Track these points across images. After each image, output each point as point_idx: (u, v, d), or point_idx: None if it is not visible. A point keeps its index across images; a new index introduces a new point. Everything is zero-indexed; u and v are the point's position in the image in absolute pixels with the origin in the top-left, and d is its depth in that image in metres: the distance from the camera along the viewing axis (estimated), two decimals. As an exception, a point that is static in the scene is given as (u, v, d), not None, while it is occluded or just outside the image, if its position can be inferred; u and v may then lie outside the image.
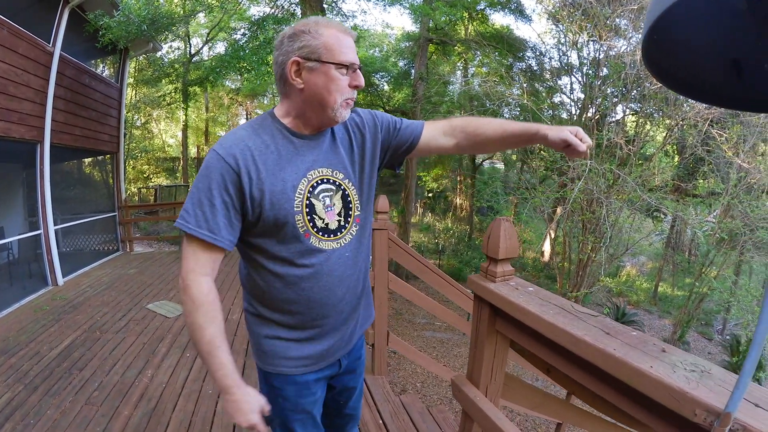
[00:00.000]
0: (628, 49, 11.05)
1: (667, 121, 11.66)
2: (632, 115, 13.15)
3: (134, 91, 21.39)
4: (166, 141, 28.53)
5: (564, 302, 1.69)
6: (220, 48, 21.05)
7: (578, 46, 12.54)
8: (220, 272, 1.48)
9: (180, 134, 25.71)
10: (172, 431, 3.48)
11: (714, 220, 11.74)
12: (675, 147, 13.88)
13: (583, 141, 1.51)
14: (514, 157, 22.02)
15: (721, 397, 1.03)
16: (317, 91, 1.41)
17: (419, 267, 4.00)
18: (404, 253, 3.94)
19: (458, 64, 22.12)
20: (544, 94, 15.10)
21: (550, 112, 13.58)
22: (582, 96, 12.78)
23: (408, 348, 4.48)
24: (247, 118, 29.30)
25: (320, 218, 1.49)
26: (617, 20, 11.31)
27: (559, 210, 13.42)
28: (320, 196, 1.49)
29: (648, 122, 12.42)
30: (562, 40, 13.30)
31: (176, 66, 17.15)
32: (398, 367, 9.13)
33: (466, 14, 14.91)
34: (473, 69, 21.36)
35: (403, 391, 7.78)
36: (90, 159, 11.95)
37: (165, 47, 15.51)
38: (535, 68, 16.32)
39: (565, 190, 11.10)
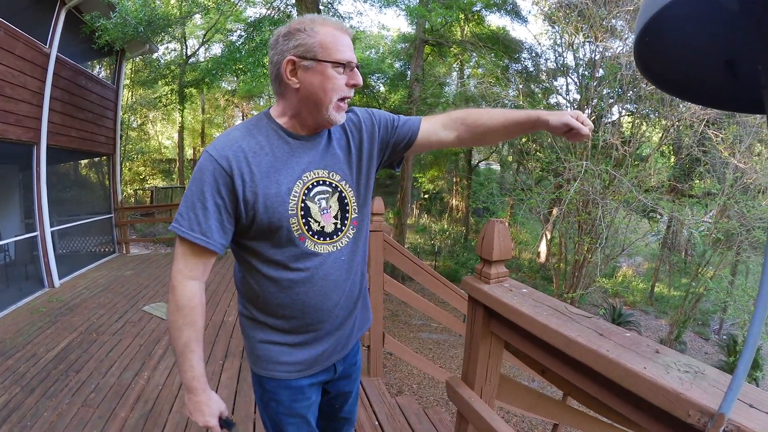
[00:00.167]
0: (624, 50, 11.08)
1: (663, 122, 11.69)
2: (628, 115, 13.18)
3: (130, 93, 21.36)
4: (162, 142, 28.47)
5: (558, 304, 1.69)
6: (217, 49, 21.03)
7: (574, 47, 12.55)
8: (216, 274, 1.48)
9: (176, 136, 25.71)
10: (168, 433, 3.47)
11: (710, 221, 11.77)
12: (671, 147, 13.91)
13: (584, 124, 1.51)
14: (510, 158, 22.08)
15: (715, 398, 1.03)
16: (313, 90, 1.38)
17: (415, 268, 4.00)
18: (400, 254, 3.94)
19: (454, 66, 22.18)
20: (540, 95, 15.10)
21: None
22: (578, 97, 12.79)
23: (404, 349, 4.48)
24: (243, 120, 29.25)
25: (316, 221, 1.46)
26: (613, 21, 11.34)
27: (555, 211, 13.46)
28: (316, 199, 1.46)
29: (644, 123, 12.45)
30: (558, 41, 13.31)
31: (172, 67, 17.14)
32: (394, 369, 9.13)
33: (462, 15, 14.94)
34: (469, 70, 21.41)
35: (399, 393, 7.77)
36: (86, 161, 11.94)
37: (161, 49, 15.48)
38: (531, 69, 16.32)
39: (561, 191, 11.13)
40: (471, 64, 20.67)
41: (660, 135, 12.14)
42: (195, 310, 1.40)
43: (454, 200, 28.00)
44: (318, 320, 1.54)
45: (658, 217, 14.00)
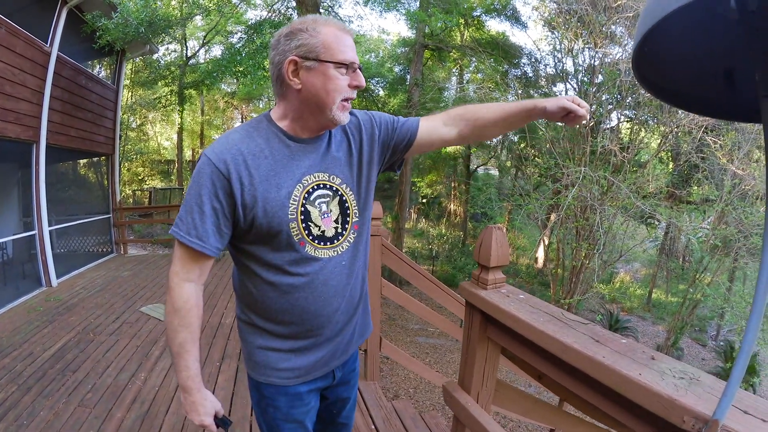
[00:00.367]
0: (623, 56, 11.12)
1: (662, 128, 11.72)
2: (627, 122, 13.23)
3: (130, 93, 21.37)
4: (161, 143, 28.46)
5: (554, 310, 1.70)
6: (217, 51, 21.05)
7: (573, 53, 12.60)
8: (214, 276, 1.48)
9: (175, 137, 25.69)
10: (164, 434, 3.47)
11: (708, 227, 11.80)
12: (669, 154, 13.95)
13: (580, 106, 1.53)
14: (508, 163, 22.08)
15: (710, 404, 1.04)
16: (315, 91, 1.36)
17: (412, 273, 3.99)
18: (397, 259, 3.94)
19: (454, 71, 22.18)
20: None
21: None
22: (577, 103, 12.79)
23: (400, 354, 4.48)
24: (242, 122, 29.20)
25: (316, 225, 1.44)
26: (613, 27, 11.38)
27: (552, 217, 13.48)
28: (316, 203, 1.44)
29: (642, 129, 12.48)
30: (558, 47, 13.37)
31: (172, 68, 17.16)
32: (391, 373, 9.12)
33: (462, 20, 14.95)
34: (468, 75, 21.42)
35: (396, 397, 7.77)
36: (85, 160, 11.93)
37: (161, 49, 15.50)
38: (530, 75, 16.37)
39: (559, 196, 11.14)
40: (470, 69, 20.70)
41: (658, 141, 12.17)
42: (191, 312, 1.40)
43: (452, 205, 28.01)
44: (318, 326, 1.52)
45: (656, 223, 14.03)
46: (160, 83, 17.24)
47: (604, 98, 12.02)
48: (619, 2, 10.74)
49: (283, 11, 13.74)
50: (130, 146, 20.67)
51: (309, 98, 1.38)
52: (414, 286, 4.17)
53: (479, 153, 24.27)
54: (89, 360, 4.89)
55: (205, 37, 19.26)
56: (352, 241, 1.55)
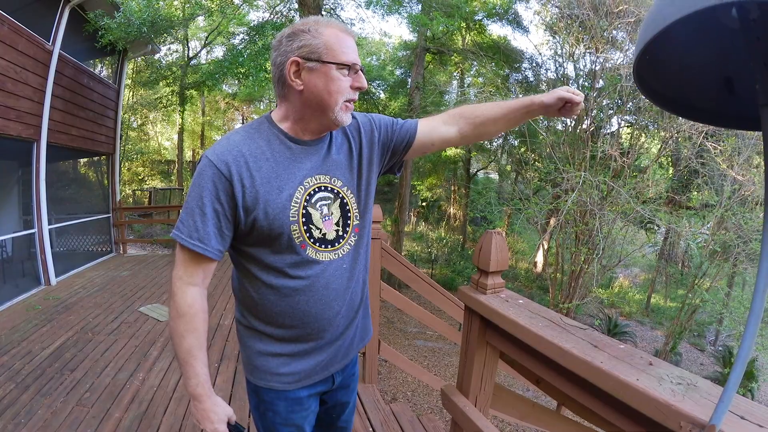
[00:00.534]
0: (625, 61, 11.13)
1: (662, 134, 11.73)
2: (627, 127, 13.24)
3: (131, 93, 21.38)
4: (161, 144, 28.47)
5: (553, 315, 1.70)
6: (218, 52, 21.06)
7: (575, 57, 12.61)
8: (213, 276, 1.44)
9: (176, 137, 25.68)
10: (162, 435, 3.47)
11: (707, 232, 11.80)
12: (669, 159, 13.96)
13: (575, 94, 1.54)
14: (508, 167, 22.09)
15: (707, 410, 1.04)
16: (317, 92, 1.35)
17: (411, 276, 3.99)
18: (397, 262, 3.94)
19: (455, 74, 22.24)
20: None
21: (546, 123, 13.65)
22: (578, 107, 12.81)
23: (399, 357, 4.48)
24: (243, 123, 29.21)
25: (317, 228, 1.43)
26: (614, 32, 11.39)
27: (552, 221, 13.49)
28: (317, 205, 1.43)
29: (643, 134, 12.50)
30: (559, 52, 13.38)
31: (174, 69, 17.16)
32: (389, 376, 9.13)
33: (463, 24, 14.97)
34: (470, 79, 21.47)
35: (394, 400, 7.77)
36: (86, 159, 11.93)
37: (163, 50, 15.51)
38: (531, 79, 16.40)
39: (559, 201, 11.15)
40: (471, 72, 20.74)
41: (659, 146, 12.19)
42: (196, 316, 1.37)
43: (451, 209, 28.01)
44: (319, 329, 1.50)
45: (656, 228, 14.03)
46: (161, 83, 17.22)
47: (604, 103, 12.04)
48: (621, 7, 10.76)
49: (285, 13, 13.76)
50: (130, 146, 20.65)
51: (311, 99, 1.37)
52: (413, 289, 4.17)
53: (479, 157, 24.29)
54: (87, 359, 4.89)
55: (207, 37, 19.26)
56: (353, 244, 1.54)
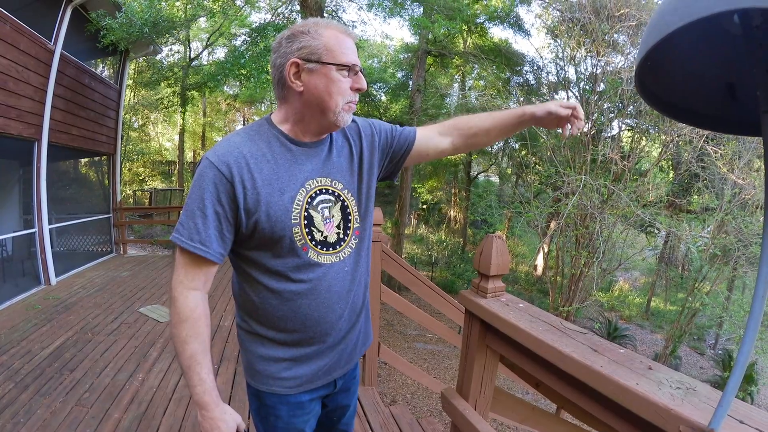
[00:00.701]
0: (626, 65, 11.14)
1: (663, 137, 11.74)
2: (628, 130, 13.24)
3: (133, 93, 21.39)
4: (162, 144, 28.50)
5: (553, 319, 1.70)
6: (220, 53, 21.08)
7: (576, 61, 12.63)
8: (213, 277, 1.42)
9: (177, 138, 25.70)
10: (161, 436, 3.47)
11: (708, 236, 11.81)
12: (670, 163, 13.97)
13: (566, 107, 1.57)
14: (509, 170, 22.11)
15: (706, 414, 1.04)
16: (317, 93, 1.35)
17: (411, 279, 3.99)
18: (397, 265, 3.94)
19: (456, 77, 22.23)
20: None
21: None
22: (579, 111, 12.81)
23: (398, 359, 4.47)
24: (244, 125, 29.20)
25: (319, 231, 1.42)
26: (615, 36, 11.40)
27: (552, 224, 13.49)
28: (319, 208, 1.42)
29: (644, 138, 12.51)
30: (560, 55, 13.39)
31: (175, 70, 17.16)
32: (388, 378, 9.12)
33: (465, 27, 14.97)
34: (471, 82, 21.48)
35: (393, 402, 7.77)
36: (86, 159, 11.94)
37: (165, 50, 15.49)
38: (532, 82, 16.42)
39: (559, 204, 11.16)
40: (473, 75, 20.76)
41: (659, 150, 12.19)
42: (199, 320, 1.34)
43: (452, 211, 28.01)
44: (321, 333, 1.49)
45: (656, 232, 14.06)
46: (162, 84, 17.21)
47: (605, 107, 12.04)
48: (622, 11, 10.77)
49: (287, 15, 13.77)
50: (131, 146, 20.66)
51: (311, 100, 1.37)
52: (413, 292, 4.17)
53: (480, 160, 24.31)
54: (87, 359, 4.88)
55: (208, 38, 19.28)
56: (354, 247, 1.53)
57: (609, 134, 12.56)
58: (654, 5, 11.02)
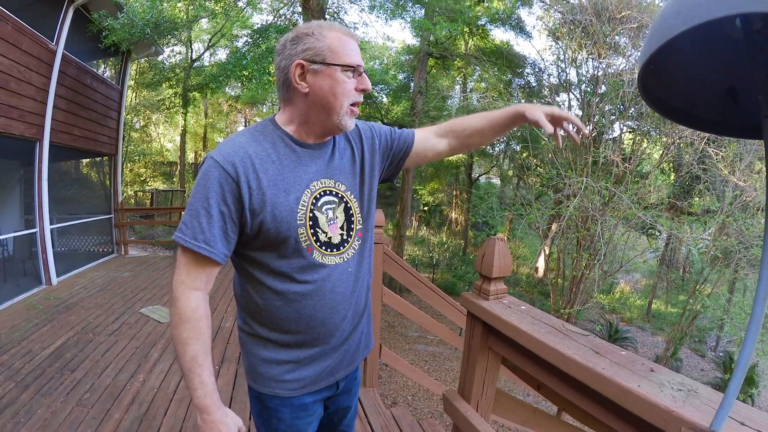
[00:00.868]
0: (627, 67, 11.14)
1: (664, 139, 11.74)
2: (629, 132, 13.24)
3: (134, 94, 21.41)
4: (164, 145, 28.54)
5: (555, 321, 1.71)
6: (222, 55, 21.08)
7: (577, 63, 12.63)
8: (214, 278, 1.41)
9: (178, 139, 25.71)
10: (162, 436, 3.47)
11: (709, 238, 11.80)
12: (671, 165, 13.94)
13: (553, 115, 1.57)
14: (510, 172, 22.09)
15: (707, 416, 1.05)
16: (322, 94, 1.35)
17: (413, 281, 3.99)
18: (398, 266, 3.94)
19: (457, 79, 22.24)
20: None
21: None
22: (580, 113, 12.84)
23: (399, 361, 4.47)
24: (245, 126, 29.24)
25: (323, 232, 1.43)
26: (617, 38, 11.39)
27: (554, 226, 13.49)
28: (323, 209, 1.43)
29: (645, 140, 12.50)
30: (562, 57, 13.38)
31: (177, 70, 17.17)
32: (389, 380, 9.12)
33: (466, 29, 14.96)
34: (472, 84, 21.45)
35: (394, 404, 7.76)
36: (88, 160, 11.96)
37: (167, 51, 15.50)
38: (533, 84, 16.40)
39: (561, 206, 11.15)
40: (474, 77, 20.73)
41: (660, 152, 12.18)
42: (201, 321, 1.32)
43: (453, 213, 28.01)
44: (325, 334, 1.49)
45: (657, 234, 14.03)
46: (164, 85, 17.21)
47: (606, 109, 12.03)
48: (624, 13, 10.76)
49: (288, 16, 13.78)
50: (133, 147, 20.69)
51: (316, 102, 1.37)
52: (414, 294, 4.17)
53: (481, 162, 24.32)
54: (88, 360, 4.89)
55: (210, 40, 19.29)
56: (357, 248, 1.54)
57: (610, 136, 12.54)
58: (656, 7, 11.03)
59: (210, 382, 1.33)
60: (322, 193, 1.43)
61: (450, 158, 21.43)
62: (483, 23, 16.13)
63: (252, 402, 1.60)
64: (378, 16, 14.85)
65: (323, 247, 1.43)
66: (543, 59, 15.50)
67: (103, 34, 9.52)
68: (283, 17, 13.76)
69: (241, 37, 16.60)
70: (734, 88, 1.07)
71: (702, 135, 10.36)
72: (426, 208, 28.58)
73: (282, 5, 14.32)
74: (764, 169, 10.81)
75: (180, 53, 19.91)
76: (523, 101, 14.21)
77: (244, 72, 11.49)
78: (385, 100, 20.24)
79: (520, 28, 16.08)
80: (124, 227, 11.96)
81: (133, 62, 13.80)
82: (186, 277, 1.33)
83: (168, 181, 24.84)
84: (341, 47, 1.35)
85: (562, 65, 13.57)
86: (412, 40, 19.81)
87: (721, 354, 15.41)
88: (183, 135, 23.80)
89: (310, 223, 1.39)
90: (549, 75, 15.69)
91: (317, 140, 1.47)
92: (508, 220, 20.52)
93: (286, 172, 1.38)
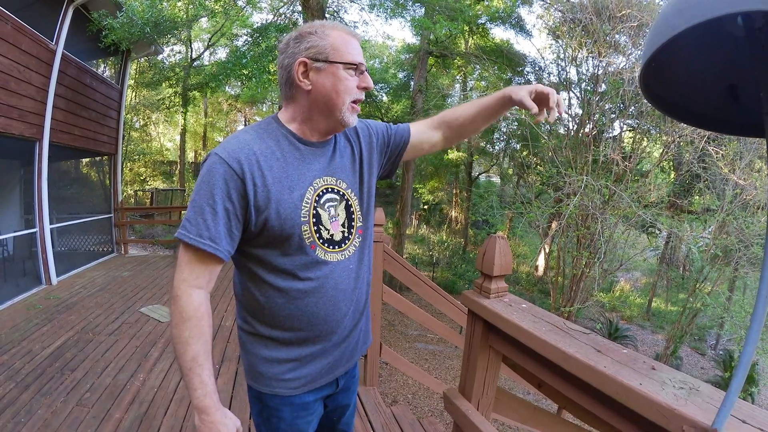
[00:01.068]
0: (627, 65, 11.13)
1: (664, 138, 11.74)
2: (629, 131, 13.24)
3: (134, 93, 21.39)
4: (163, 144, 28.54)
5: (556, 319, 1.71)
6: (222, 54, 21.07)
7: (577, 61, 12.62)
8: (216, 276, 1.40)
9: (178, 138, 25.71)
10: (162, 435, 3.47)
11: (709, 236, 11.80)
12: (671, 163, 13.96)
13: (549, 101, 1.54)
14: (510, 171, 22.09)
15: (709, 414, 1.05)
16: (325, 92, 1.37)
17: (413, 279, 3.99)
18: (398, 265, 3.94)
19: (457, 77, 22.23)
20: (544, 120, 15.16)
21: (548, 127, 13.64)
22: (580, 111, 12.85)
23: (400, 359, 4.48)
24: (245, 125, 29.23)
25: (326, 229, 1.43)
26: (617, 37, 11.39)
27: (554, 225, 13.49)
28: (326, 206, 1.44)
29: (645, 138, 12.51)
30: (562, 56, 13.38)
31: (177, 70, 17.16)
32: (390, 378, 9.12)
33: (466, 28, 14.97)
34: (472, 82, 21.45)
35: (394, 402, 7.77)
36: (88, 159, 11.94)
37: (166, 51, 15.48)
38: (533, 83, 16.35)
39: (561, 205, 11.15)
40: (474, 76, 20.72)
41: (660, 151, 12.18)
42: (203, 320, 1.31)
43: (453, 212, 28.01)
44: (327, 331, 1.49)
45: (657, 232, 14.04)
46: (164, 84, 17.20)
47: (607, 107, 12.03)
48: (624, 12, 10.76)
49: (288, 15, 13.77)
50: (132, 146, 20.70)
51: (319, 99, 1.39)
52: (414, 292, 4.17)
53: (481, 160, 24.32)
54: (88, 359, 4.89)
55: (210, 39, 19.28)
56: (357, 245, 1.54)
57: (610, 135, 12.54)
58: (656, 6, 11.03)
59: (210, 382, 1.32)
60: (324, 191, 1.44)
61: (450, 157, 21.45)
62: (483, 22, 16.13)
63: (252, 402, 1.60)
64: (378, 15, 14.86)
65: (326, 244, 1.44)
66: (543, 58, 15.51)
67: (103, 33, 9.51)
68: (283, 16, 13.76)
69: (241, 36, 16.58)
70: (735, 86, 1.07)
71: (702, 133, 10.37)
72: (426, 207, 28.58)
73: (282, 4, 14.33)
74: (764, 167, 10.83)
75: (180, 52, 19.92)
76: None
77: (244, 71, 11.48)
78: (385, 98, 20.24)
79: (520, 27, 16.07)
80: (123, 227, 11.95)
81: (132, 62, 13.81)
82: (188, 275, 1.31)
83: (168, 181, 24.84)
84: (344, 46, 1.37)
85: (562, 64, 13.58)
86: (412, 39, 19.84)
87: (721, 352, 15.41)
88: (183, 134, 23.80)
89: (314, 220, 1.40)
90: (549, 74, 15.68)
91: (320, 138, 1.48)
92: (508, 219, 20.52)
93: (290, 170, 1.38)
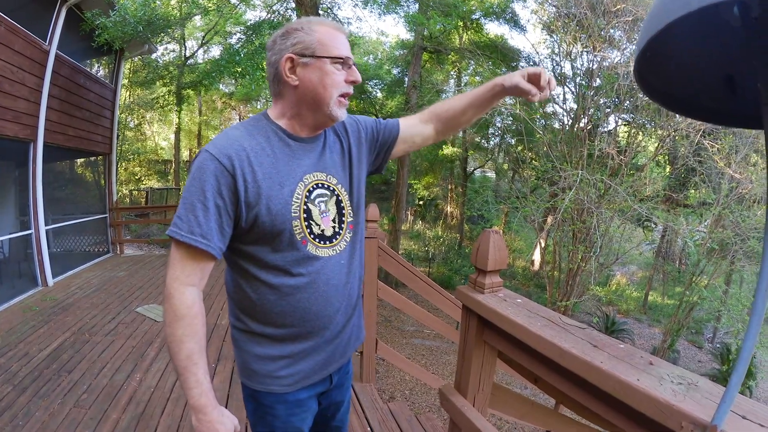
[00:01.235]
0: (622, 60, 11.15)
1: (660, 132, 11.76)
2: (624, 125, 13.26)
3: (128, 93, 21.32)
4: (158, 143, 28.42)
5: (552, 314, 1.69)
6: (215, 52, 20.99)
7: (572, 56, 12.62)
8: (209, 275, 1.39)
9: (172, 137, 25.61)
10: (159, 436, 3.46)
11: (705, 230, 11.83)
12: (667, 157, 13.98)
13: (540, 81, 1.54)
14: (505, 166, 22.10)
15: (708, 410, 1.04)
16: (312, 87, 1.38)
17: (408, 275, 3.99)
18: (394, 261, 3.94)
19: (452, 73, 22.22)
20: (536, 104, 15.19)
21: (543, 121, 13.66)
22: (575, 106, 12.86)
23: (396, 356, 4.48)
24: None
25: (317, 224, 1.43)
26: (611, 31, 11.40)
27: (549, 219, 13.49)
28: (316, 201, 1.44)
29: (640, 132, 12.53)
30: (556, 51, 13.38)
31: (171, 68, 17.11)
32: (386, 375, 9.12)
33: (460, 23, 14.98)
34: (467, 78, 21.44)
35: (392, 399, 7.77)
36: (82, 160, 11.91)
37: (160, 49, 15.44)
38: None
39: (556, 199, 11.16)
40: (469, 71, 20.73)
41: (656, 145, 12.21)
42: (196, 318, 1.30)
43: (448, 207, 28.05)
44: (319, 327, 1.49)
45: (653, 226, 14.07)
46: (158, 83, 17.17)
47: (602, 102, 12.05)
48: (618, 6, 10.77)
49: (282, 12, 13.74)
50: (127, 146, 20.60)
51: (306, 94, 1.39)
52: (410, 288, 4.17)
53: (476, 155, 24.31)
54: (85, 360, 4.87)
55: (203, 37, 19.22)
56: (348, 240, 1.54)
57: (605, 129, 12.57)
58: (650, 0, 11.03)
59: (206, 381, 1.31)
60: (314, 186, 1.45)
61: (444, 152, 21.44)
62: (477, 17, 16.15)
63: (246, 401, 1.59)
64: (371, 11, 14.86)
65: (317, 240, 1.44)
66: (537, 53, 15.49)
67: (96, 32, 9.47)
68: (276, 13, 13.72)
69: (235, 33, 16.54)
70: (732, 78, 1.06)
71: (698, 127, 10.39)
72: (421, 202, 28.62)
73: (275, 1, 14.28)
74: (760, 161, 10.85)
75: (173, 51, 19.84)
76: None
77: (238, 68, 11.47)
78: (379, 95, 20.20)
79: (514, 22, 16.08)
80: (119, 226, 11.91)
81: (126, 61, 13.74)
82: (180, 273, 1.30)
83: (163, 180, 24.79)
84: (330, 40, 1.38)
85: (557, 58, 13.59)
86: (406, 35, 19.74)
87: (718, 345, 15.47)
88: (177, 133, 23.72)
89: (304, 215, 1.40)
90: (544, 68, 15.69)
91: (310, 133, 1.49)
92: (504, 214, 20.56)
93: (280, 166, 1.38)
